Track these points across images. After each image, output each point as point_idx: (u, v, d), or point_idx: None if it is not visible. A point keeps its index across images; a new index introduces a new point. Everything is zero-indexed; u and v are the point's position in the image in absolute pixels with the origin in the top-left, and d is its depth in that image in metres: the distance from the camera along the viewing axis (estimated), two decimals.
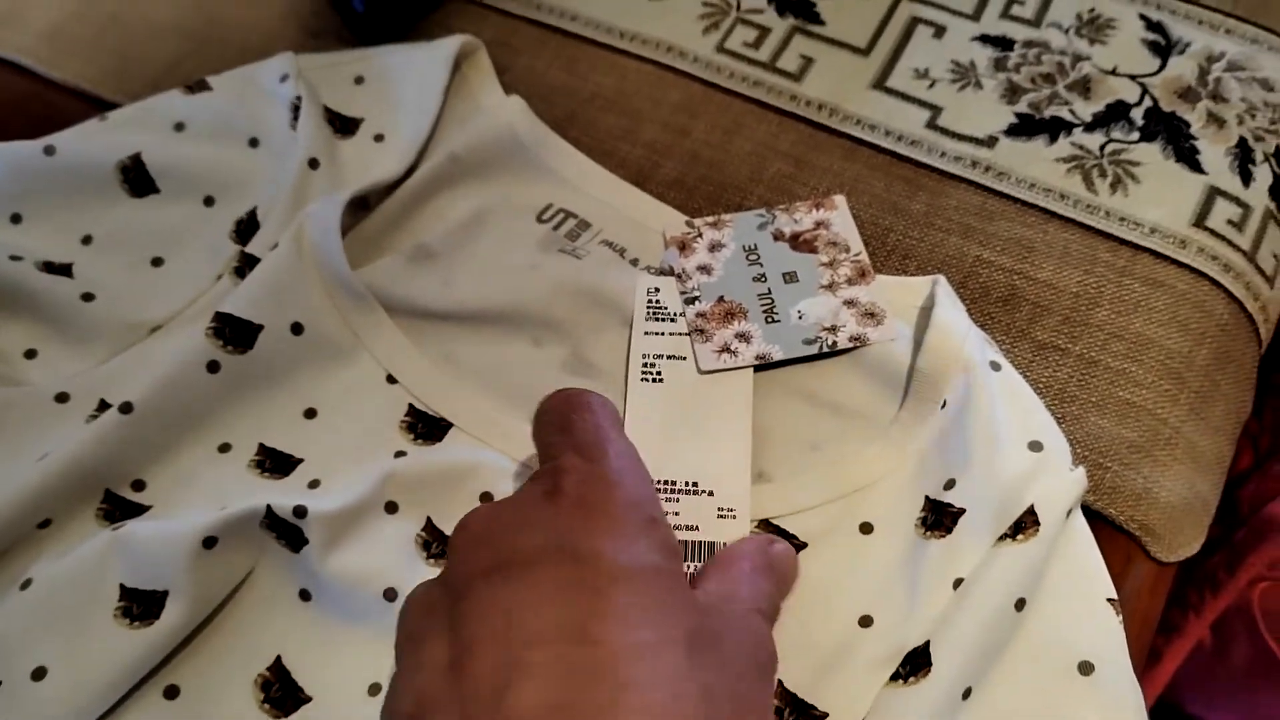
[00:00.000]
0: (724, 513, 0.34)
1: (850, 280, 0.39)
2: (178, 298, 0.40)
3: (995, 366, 0.36)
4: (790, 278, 0.39)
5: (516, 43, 0.48)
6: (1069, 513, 0.34)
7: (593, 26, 0.48)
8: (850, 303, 0.39)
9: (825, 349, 0.38)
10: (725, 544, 0.34)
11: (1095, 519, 0.36)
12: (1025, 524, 0.33)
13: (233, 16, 0.49)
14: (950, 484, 0.34)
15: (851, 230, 0.41)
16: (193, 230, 0.42)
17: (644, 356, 0.38)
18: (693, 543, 0.34)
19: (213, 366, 0.37)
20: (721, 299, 0.39)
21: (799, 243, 0.40)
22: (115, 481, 0.36)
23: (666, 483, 0.35)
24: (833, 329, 0.38)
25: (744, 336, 0.38)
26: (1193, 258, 0.40)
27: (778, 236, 0.41)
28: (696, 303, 0.39)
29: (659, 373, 0.38)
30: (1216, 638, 0.54)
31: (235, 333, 0.37)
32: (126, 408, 0.36)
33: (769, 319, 0.38)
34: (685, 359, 0.38)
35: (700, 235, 0.41)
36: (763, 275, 0.40)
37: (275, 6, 0.49)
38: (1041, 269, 0.40)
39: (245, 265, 0.40)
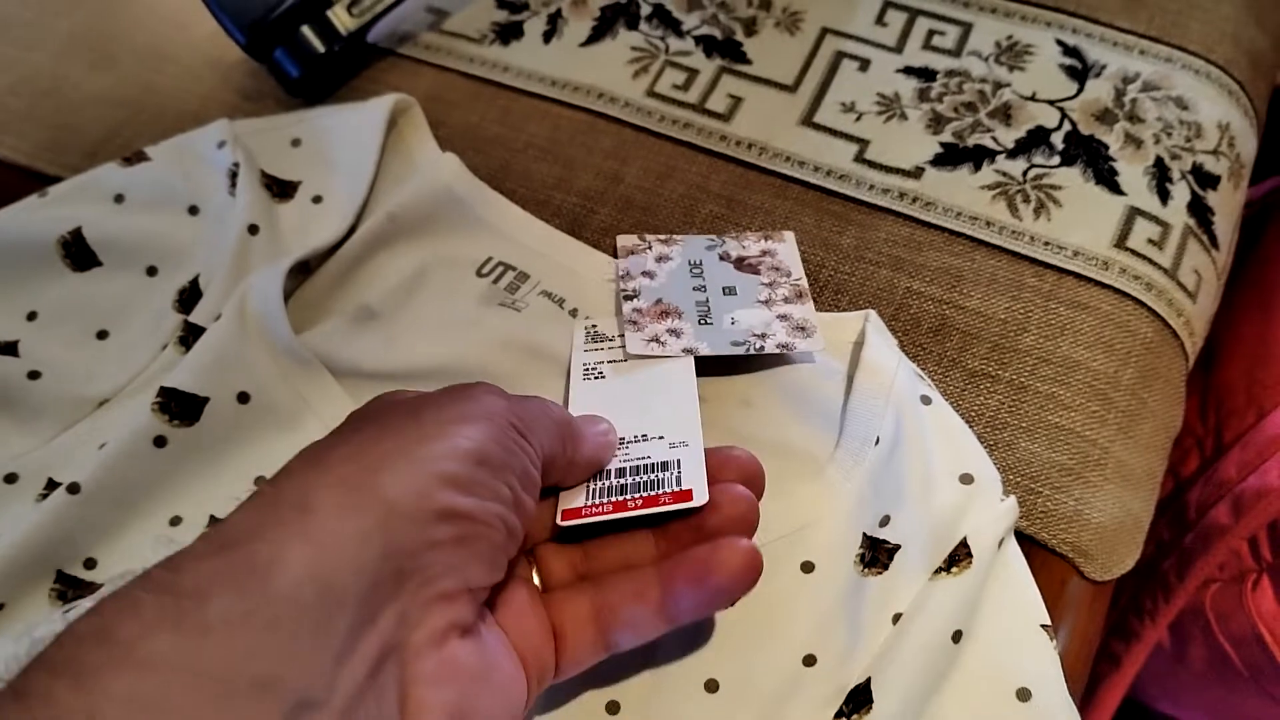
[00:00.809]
0: (675, 444, 0.34)
1: (787, 299, 0.40)
2: (123, 371, 0.41)
3: (926, 401, 0.37)
4: (729, 291, 0.40)
5: (451, 96, 0.48)
6: (1001, 542, 0.35)
7: (525, 77, 0.48)
8: (783, 317, 0.40)
9: (752, 351, 0.38)
10: (679, 460, 0.33)
11: (1029, 543, 0.37)
12: (959, 556, 0.34)
13: (168, 84, 0.49)
14: (885, 520, 0.35)
15: (796, 261, 0.42)
16: (136, 301, 0.42)
17: (584, 365, 0.39)
18: (645, 464, 0.33)
19: (160, 441, 0.37)
20: (659, 301, 0.40)
21: (743, 265, 0.41)
22: (67, 561, 0.36)
23: (619, 438, 0.34)
24: (762, 335, 0.39)
25: (675, 332, 0.39)
26: (1115, 278, 0.41)
27: (723, 258, 0.42)
28: (634, 299, 0.40)
29: (600, 373, 0.38)
30: (1174, 639, 0.55)
31: (181, 406, 0.38)
32: (74, 488, 0.36)
33: (702, 321, 0.39)
34: (625, 361, 0.38)
35: (650, 248, 0.42)
36: (703, 286, 0.40)
37: (210, 72, 0.49)
38: (970, 297, 0.41)
39: (189, 335, 0.40)
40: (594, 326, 0.40)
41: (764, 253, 0.42)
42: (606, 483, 0.33)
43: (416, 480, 0.25)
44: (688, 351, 0.38)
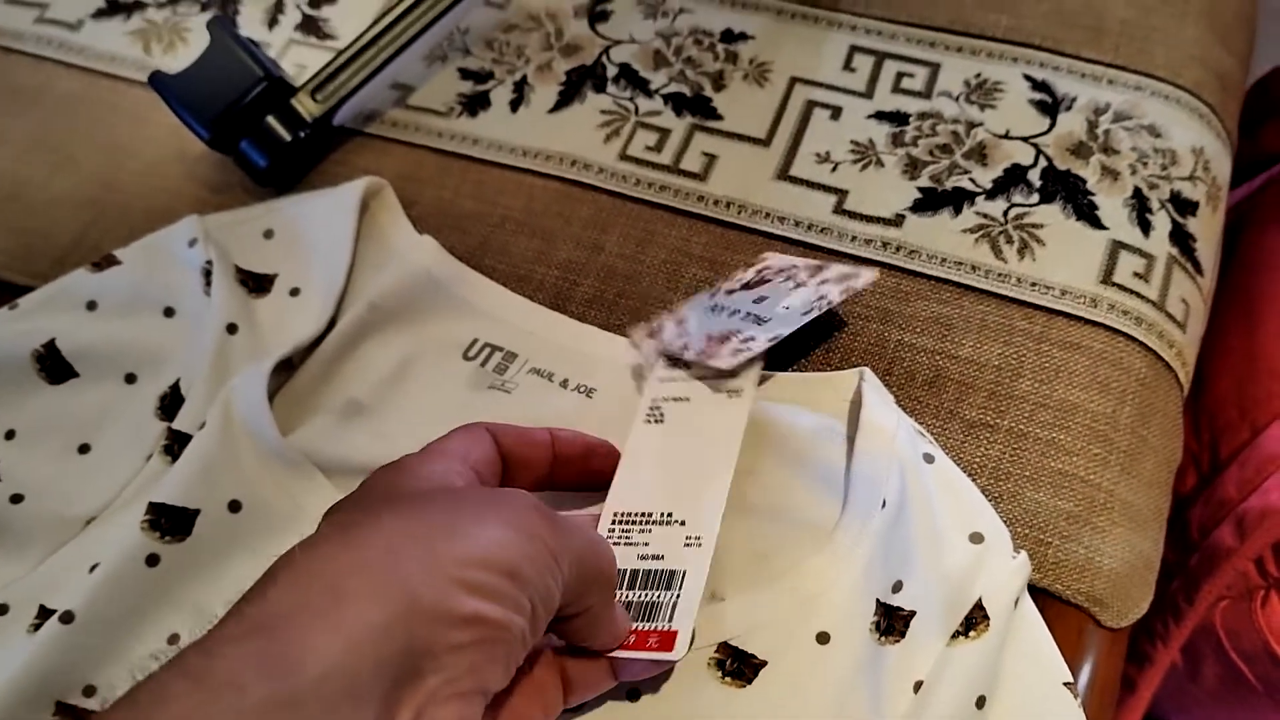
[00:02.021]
0: (690, 541, 0.34)
1: (813, 274, 0.40)
2: (108, 485, 0.40)
3: (929, 459, 0.37)
4: (759, 300, 0.40)
5: (422, 174, 0.48)
6: (1017, 601, 0.34)
7: (495, 148, 0.48)
8: (824, 281, 0.40)
9: (823, 309, 0.38)
10: (686, 571, 0.33)
11: (1043, 595, 0.36)
12: (976, 620, 0.34)
13: (132, 181, 0.48)
14: (898, 586, 0.35)
15: (791, 259, 0.42)
16: (117, 411, 0.41)
17: (652, 400, 0.38)
18: (654, 571, 0.33)
19: (152, 560, 0.37)
20: (709, 336, 0.39)
21: (752, 285, 0.41)
22: (64, 691, 0.35)
23: (642, 514, 0.35)
24: (821, 298, 0.39)
25: (747, 340, 0.38)
26: (1104, 315, 0.41)
27: (730, 292, 0.41)
28: (688, 350, 0.39)
29: (661, 414, 0.38)
30: (1187, 659, 0.54)
31: (171, 521, 0.37)
32: (67, 617, 0.35)
33: (760, 322, 0.39)
34: (689, 400, 0.38)
35: (661, 324, 0.41)
36: (735, 311, 0.40)
37: (175, 166, 0.49)
38: (962, 346, 0.41)
39: (174, 443, 0.39)
40: (682, 351, 0.39)
41: (759, 271, 0.42)
42: (618, 594, 0.33)
43: (446, 583, 0.25)
44: (774, 339, 0.38)
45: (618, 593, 0.33)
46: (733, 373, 0.38)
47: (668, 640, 0.32)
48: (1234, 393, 0.52)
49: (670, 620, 0.32)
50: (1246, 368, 0.52)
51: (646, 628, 0.32)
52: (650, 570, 0.33)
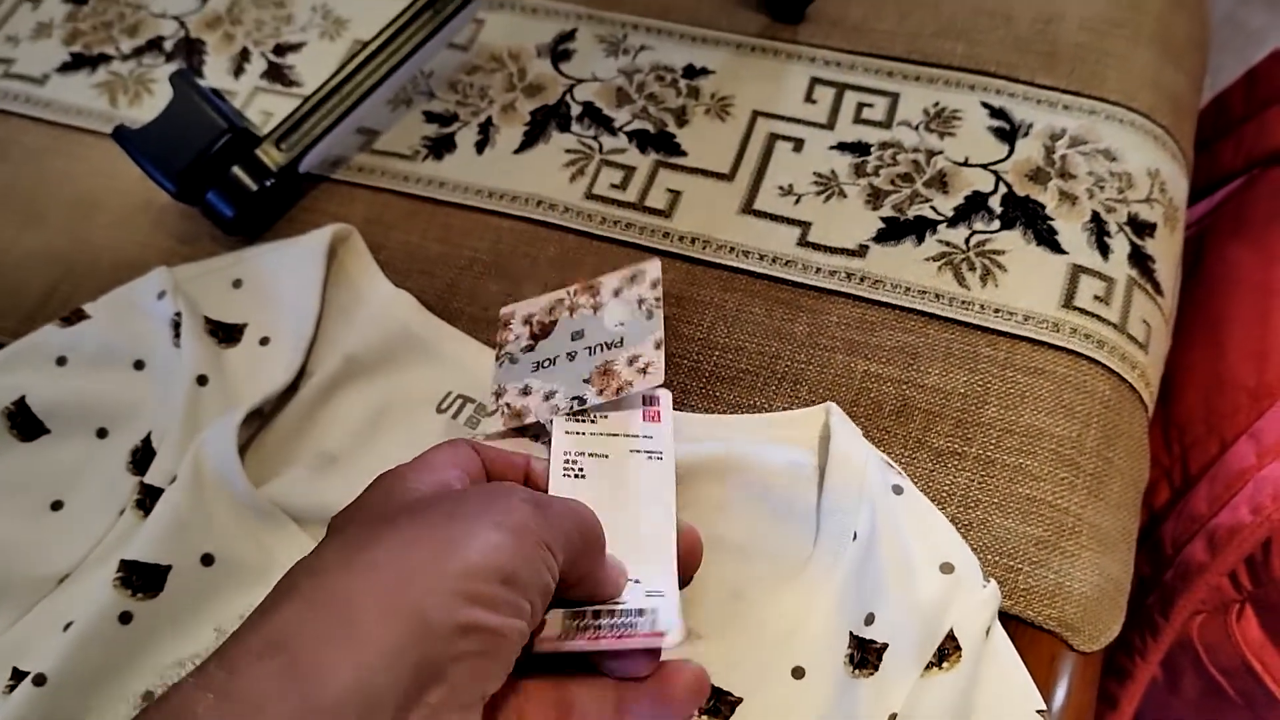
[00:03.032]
0: (652, 593, 0.33)
1: (590, 294, 0.42)
2: (81, 542, 0.40)
3: (898, 490, 0.37)
4: (576, 336, 0.41)
5: (389, 217, 0.48)
6: (988, 631, 0.34)
7: (462, 190, 0.48)
8: (616, 291, 0.42)
9: (657, 307, 0.40)
10: (655, 609, 0.32)
11: (1014, 622, 0.37)
12: (948, 650, 0.34)
13: (100, 235, 0.49)
14: (870, 619, 0.35)
15: (540, 298, 0.43)
16: (89, 466, 0.41)
17: (565, 454, 0.38)
18: (620, 609, 0.32)
19: (125, 618, 0.36)
20: (583, 379, 0.39)
21: (539, 335, 0.42)
22: None
23: None
24: (640, 301, 0.41)
25: (635, 357, 0.39)
26: (1067, 339, 0.42)
27: (529, 348, 0.42)
28: (581, 401, 0.39)
29: (580, 469, 0.37)
30: (1167, 673, 0.55)
31: (143, 578, 0.37)
32: (40, 680, 0.35)
33: (614, 346, 0.40)
34: (608, 456, 0.38)
35: (509, 405, 0.41)
36: (570, 354, 0.40)
37: (142, 218, 0.49)
38: (928, 374, 0.41)
39: (146, 497, 0.39)
40: (579, 401, 0.39)
41: (526, 320, 0.43)
42: (582, 620, 0.32)
43: (447, 595, 0.26)
44: (658, 345, 0.39)
45: (583, 620, 0.32)
46: (649, 435, 0.38)
47: (655, 635, 0.31)
48: (1201, 407, 0.53)
49: (654, 627, 0.31)
50: (1213, 382, 0.53)
51: (629, 631, 0.31)
52: (615, 608, 0.32)
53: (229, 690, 0.23)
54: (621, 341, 0.40)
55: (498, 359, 0.42)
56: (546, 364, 0.41)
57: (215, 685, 0.24)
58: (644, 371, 0.38)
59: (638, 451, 0.37)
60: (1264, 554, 0.46)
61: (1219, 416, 0.51)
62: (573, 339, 0.41)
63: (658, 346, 0.39)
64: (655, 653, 0.32)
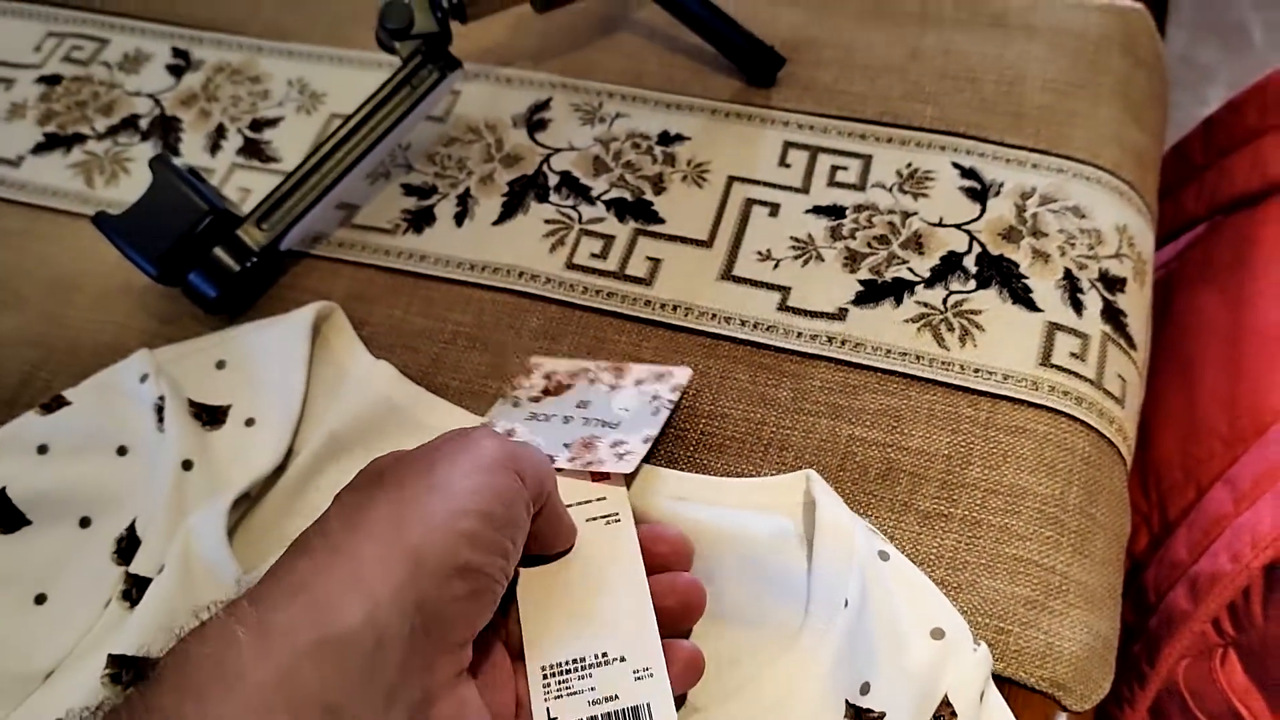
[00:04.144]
0: (640, 674, 0.34)
1: (616, 376, 0.43)
2: (67, 636, 0.39)
3: (884, 556, 0.38)
4: (581, 405, 0.41)
5: (372, 293, 0.48)
6: (982, 695, 0.35)
7: (443, 264, 0.49)
8: (639, 382, 0.42)
9: (669, 410, 0.41)
10: (649, 705, 0.33)
11: (1006, 684, 0.37)
12: (943, 716, 0.34)
13: (79, 316, 0.48)
14: (866, 687, 0.35)
15: (573, 362, 0.44)
16: (72, 557, 0.41)
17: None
18: (617, 711, 0.33)
19: (114, 716, 0.36)
20: (567, 444, 0.39)
21: (552, 392, 0.42)
22: None
23: (576, 661, 0.34)
24: (655, 397, 0.41)
25: (618, 444, 0.39)
26: (1046, 397, 0.42)
27: (535, 399, 0.42)
28: (553, 460, 0.39)
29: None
30: (1154, 718, 0.55)
31: (133, 672, 0.36)
32: None
33: (607, 426, 0.40)
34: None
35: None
36: (568, 418, 0.41)
37: (122, 299, 0.49)
38: (912, 437, 0.42)
39: (132, 587, 0.39)
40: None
41: (546, 376, 0.44)
42: None
43: (439, 539, 0.29)
44: (647, 440, 0.39)
45: None
46: (601, 497, 0.38)
47: None
48: (1177, 453, 0.54)
49: None
50: (1187, 428, 0.54)
51: None
52: (611, 711, 0.33)
53: (261, 620, 0.26)
54: (617, 425, 0.40)
55: (503, 397, 0.43)
56: (541, 418, 0.41)
57: (249, 619, 0.26)
58: (620, 457, 0.39)
59: (594, 519, 0.37)
60: (1245, 600, 0.47)
61: (1194, 462, 0.52)
62: (577, 406, 0.41)
63: (645, 441, 0.39)
64: None
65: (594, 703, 0.33)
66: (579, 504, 0.38)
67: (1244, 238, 0.56)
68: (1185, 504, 0.51)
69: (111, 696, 0.27)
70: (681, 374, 0.43)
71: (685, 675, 0.34)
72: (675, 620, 0.35)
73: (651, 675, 0.33)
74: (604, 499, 0.38)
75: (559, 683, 0.34)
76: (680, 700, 0.34)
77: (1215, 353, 0.54)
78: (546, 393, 0.43)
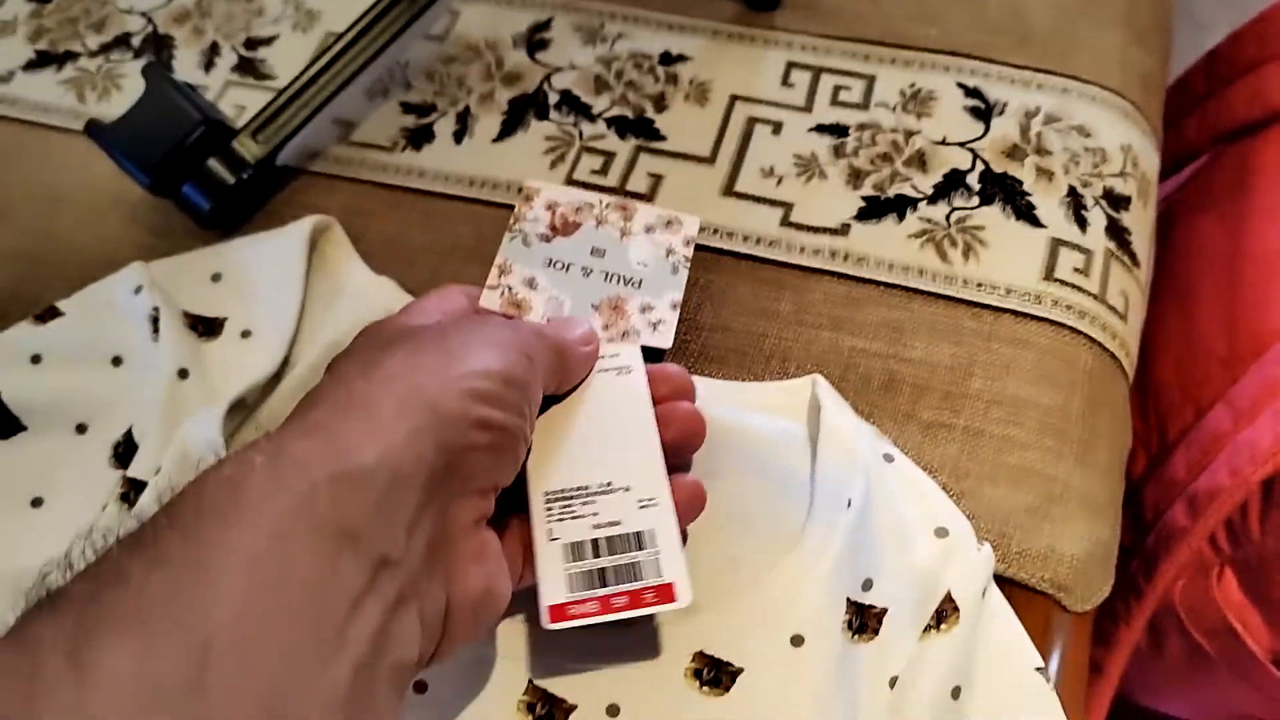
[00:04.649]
0: (645, 503, 0.34)
1: (623, 216, 0.41)
2: (63, 536, 0.39)
3: (889, 459, 0.38)
4: (596, 252, 0.41)
5: (370, 207, 0.48)
6: (984, 592, 0.35)
7: (442, 179, 0.48)
8: (648, 229, 0.41)
9: (687, 267, 0.40)
10: (654, 532, 0.33)
11: (1008, 584, 0.37)
12: (946, 612, 0.34)
13: (71, 232, 0.48)
14: (868, 584, 0.35)
15: (574, 193, 0.42)
16: (69, 462, 0.41)
17: None
18: (618, 536, 0.33)
19: (131, 537, 0.36)
20: (593, 305, 0.39)
21: (559, 230, 0.41)
22: None
23: (580, 489, 0.34)
24: (670, 251, 0.41)
25: (646, 308, 0.39)
26: (1049, 310, 0.42)
27: (546, 239, 0.41)
28: (585, 324, 0.38)
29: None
30: (1151, 638, 0.56)
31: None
32: None
33: (629, 283, 0.40)
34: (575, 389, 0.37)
35: (510, 288, 0.40)
36: (586, 269, 0.40)
37: (114, 212, 0.48)
38: (914, 348, 0.42)
39: (130, 490, 0.39)
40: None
41: (550, 209, 0.42)
42: (584, 564, 0.33)
43: (457, 394, 0.29)
44: (675, 306, 0.39)
45: (585, 563, 0.33)
46: (615, 353, 0.37)
47: (665, 591, 0.32)
48: (1176, 375, 0.54)
49: (659, 574, 0.32)
50: (1185, 351, 0.54)
51: (637, 586, 0.32)
52: (613, 536, 0.33)
53: (280, 450, 0.26)
54: (640, 284, 0.39)
55: (510, 231, 0.41)
56: (559, 266, 0.40)
57: (266, 449, 0.26)
58: (654, 327, 0.38)
59: (606, 370, 0.37)
60: (1242, 516, 0.47)
61: (1193, 384, 0.52)
62: (592, 253, 0.40)
63: (674, 307, 0.39)
64: None
65: (596, 527, 0.33)
66: (596, 370, 0.37)
67: (1244, 165, 0.56)
68: (1184, 425, 0.52)
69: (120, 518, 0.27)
70: (691, 224, 0.42)
71: (689, 507, 0.34)
72: (678, 449, 0.35)
73: (656, 504, 0.33)
74: (617, 354, 0.37)
75: (562, 508, 0.34)
76: (682, 537, 0.34)
77: (1214, 278, 0.54)
78: (554, 229, 0.41)
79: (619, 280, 0.40)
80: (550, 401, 0.36)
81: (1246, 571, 0.48)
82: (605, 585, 0.32)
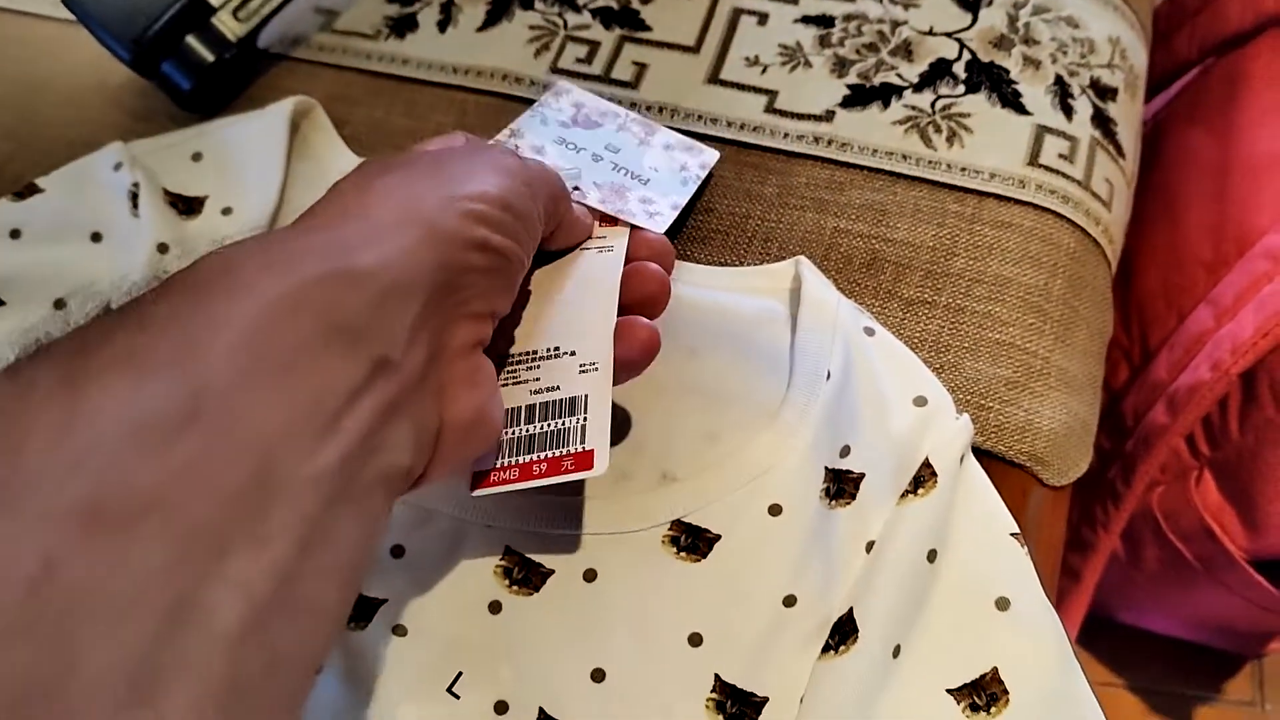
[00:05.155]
0: (585, 367, 0.33)
1: (646, 131, 0.42)
2: None
3: (869, 332, 0.38)
4: (610, 148, 0.41)
5: (353, 94, 0.47)
6: (962, 459, 0.35)
7: (426, 67, 0.48)
8: (668, 147, 0.42)
9: (697, 183, 0.41)
10: (586, 397, 0.32)
11: (986, 458, 0.37)
12: (924, 478, 0.34)
13: (51, 112, 0.47)
14: (846, 451, 0.35)
15: (600, 101, 0.43)
16: (47, 336, 0.40)
17: None
18: (554, 401, 0.32)
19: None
20: (597, 184, 0.39)
21: (579, 122, 0.42)
22: None
23: (528, 353, 0.34)
24: (683, 168, 0.41)
25: (647, 201, 0.39)
26: (1033, 195, 0.42)
27: (564, 124, 0.41)
28: (583, 195, 0.38)
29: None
30: (1128, 545, 0.56)
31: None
32: None
33: (636, 178, 0.40)
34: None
35: (516, 150, 0.40)
36: (597, 156, 0.40)
37: (96, 96, 0.47)
38: (897, 229, 0.42)
39: None
40: (576, 190, 0.38)
41: (574, 104, 0.43)
42: (516, 431, 0.32)
43: (456, 214, 0.28)
44: (675, 208, 0.39)
45: (517, 429, 0.32)
46: (603, 235, 0.37)
47: (584, 459, 0.31)
48: (1160, 285, 0.54)
49: (582, 442, 0.31)
50: (1170, 260, 0.54)
51: (558, 453, 0.32)
52: (548, 402, 0.32)
53: (273, 246, 0.25)
54: (647, 182, 0.39)
55: (531, 112, 0.41)
56: (571, 146, 0.40)
57: (261, 242, 0.25)
58: (650, 215, 0.38)
59: (588, 249, 0.37)
60: (1221, 415, 0.47)
61: (1177, 291, 0.52)
62: (606, 148, 0.41)
63: (674, 208, 0.39)
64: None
65: (535, 392, 0.33)
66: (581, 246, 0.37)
67: (1235, 74, 0.56)
68: (1166, 332, 0.52)
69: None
70: (710, 154, 0.42)
71: (641, 351, 0.33)
72: (639, 309, 0.34)
73: (596, 369, 0.33)
74: (604, 236, 0.37)
75: (508, 373, 0.33)
76: (637, 374, 0.34)
77: (1202, 186, 0.54)
78: (575, 122, 0.42)
79: (626, 173, 0.40)
80: (532, 266, 0.35)
81: (1225, 472, 0.49)
82: (531, 452, 0.32)
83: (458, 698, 0.33)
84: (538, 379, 0.33)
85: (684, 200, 0.39)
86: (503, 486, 0.31)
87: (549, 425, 0.32)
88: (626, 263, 0.35)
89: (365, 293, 0.25)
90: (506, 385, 0.33)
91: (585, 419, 0.32)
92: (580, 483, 0.35)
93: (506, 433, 0.32)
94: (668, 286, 0.35)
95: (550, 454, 0.31)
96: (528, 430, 0.32)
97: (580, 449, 0.31)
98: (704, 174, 0.41)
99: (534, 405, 0.32)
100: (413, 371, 0.26)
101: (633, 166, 0.40)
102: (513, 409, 0.32)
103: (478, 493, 0.31)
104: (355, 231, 0.26)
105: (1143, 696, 0.82)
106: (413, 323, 0.26)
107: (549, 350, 0.33)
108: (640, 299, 0.34)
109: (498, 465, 0.32)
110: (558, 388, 0.33)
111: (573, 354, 0.33)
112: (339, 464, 0.23)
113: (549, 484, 0.31)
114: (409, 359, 0.26)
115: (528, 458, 0.32)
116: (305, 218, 0.28)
